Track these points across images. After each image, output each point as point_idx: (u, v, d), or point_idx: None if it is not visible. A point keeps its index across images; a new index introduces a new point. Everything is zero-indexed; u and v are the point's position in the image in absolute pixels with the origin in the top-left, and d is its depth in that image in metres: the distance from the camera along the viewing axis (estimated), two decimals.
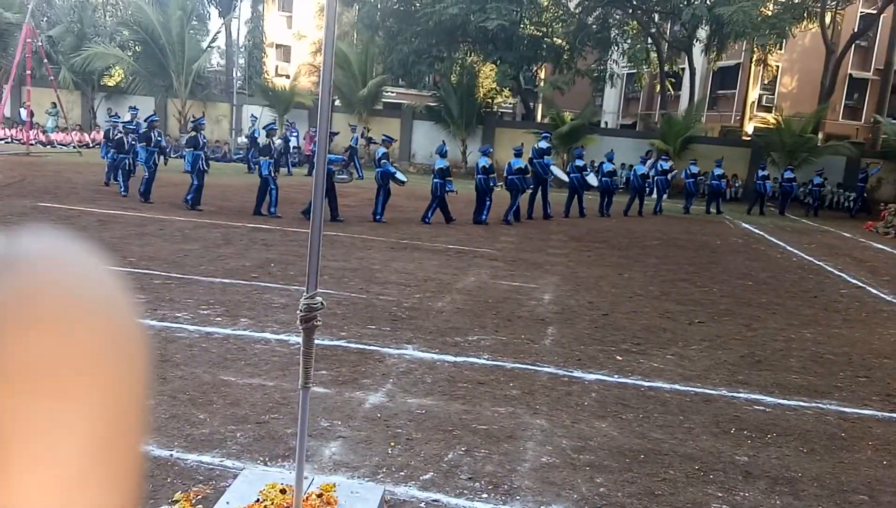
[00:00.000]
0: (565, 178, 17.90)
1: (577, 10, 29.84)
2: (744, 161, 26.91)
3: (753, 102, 35.04)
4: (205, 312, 6.23)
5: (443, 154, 13.85)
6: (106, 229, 10.03)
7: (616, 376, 5.38)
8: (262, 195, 12.77)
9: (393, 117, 30.01)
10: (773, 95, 35.42)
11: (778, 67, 34.95)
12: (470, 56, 31.38)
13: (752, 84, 34.62)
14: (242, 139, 25.03)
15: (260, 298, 6.87)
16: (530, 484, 3.57)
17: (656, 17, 31.07)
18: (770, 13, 26.21)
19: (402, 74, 32.38)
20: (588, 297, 8.12)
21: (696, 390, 5.21)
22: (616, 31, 31.12)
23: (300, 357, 2.99)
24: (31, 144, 23.05)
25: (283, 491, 3.10)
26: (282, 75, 38.82)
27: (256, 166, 14.16)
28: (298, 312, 2.91)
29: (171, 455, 3.57)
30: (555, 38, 31.21)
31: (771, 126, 27.80)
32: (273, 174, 12.84)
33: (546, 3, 30.85)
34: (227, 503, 3.06)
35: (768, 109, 33.45)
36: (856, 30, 29.78)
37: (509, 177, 14.65)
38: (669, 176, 19.97)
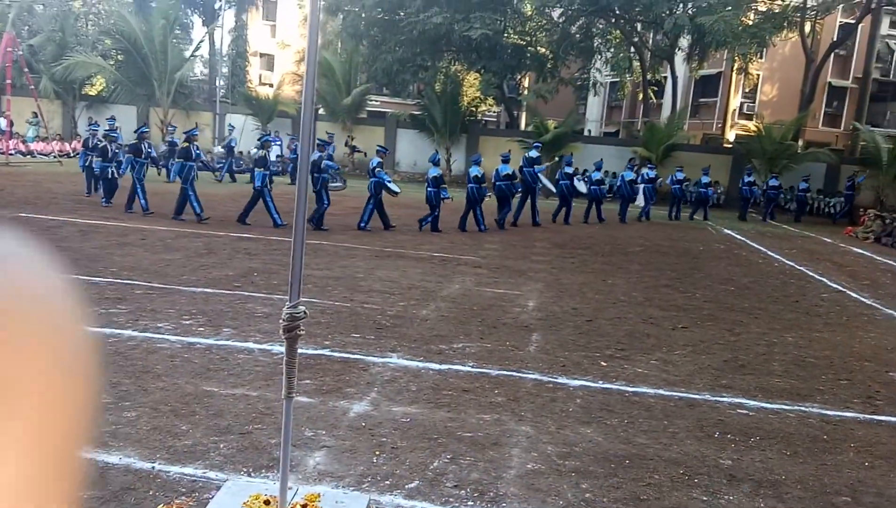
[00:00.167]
0: (552, 187, 18.07)
1: (561, 20, 30.07)
2: (725, 168, 27.19)
3: (735, 110, 35.43)
4: (187, 322, 6.18)
5: (436, 162, 14.01)
6: (87, 240, 9.93)
7: (600, 381, 5.39)
8: (252, 205, 12.68)
9: (377, 126, 30.02)
10: (754, 102, 35.86)
11: (759, 75, 35.40)
12: (454, 65, 31.50)
13: (733, 92, 34.99)
14: (219, 149, 24.90)
15: (243, 307, 6.83)
16: (516, 491, 3.57)
17: (639, 26, 31.38)
18: (751, 23, 26.58)
19: (386, 83, 32.44)
20: (572, 303, 8.14)
21: (679, 394, 5.23)
22: (599, 41, 31.39)
23: (283, 367, 2.98)
24: (11, 155, 22.81)
25: (266, 502, 3.08)
26: (265, 84, 38.72)
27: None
28: (281, 321, 2.90)
29: (153, 468, 3.53)
30: (538, 47, 31.43)
31: (752, 134, 28.11)
32: (269, 186, 12.72)
33: (530, 13, 31.07)
34: None
35: (749, 117, 33.83)
36: (835, 39, 30.24)
37: (497, 183, 14.79)
38: (657, 183, 20.19)
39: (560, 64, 30.85)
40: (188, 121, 27.66)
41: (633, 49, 31.64)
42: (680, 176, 20.70)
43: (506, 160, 14.96)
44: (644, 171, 20.53)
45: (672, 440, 4.35)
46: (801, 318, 8.34)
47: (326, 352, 5.61)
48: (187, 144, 12.98)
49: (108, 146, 13.91)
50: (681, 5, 26.68)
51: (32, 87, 23.57)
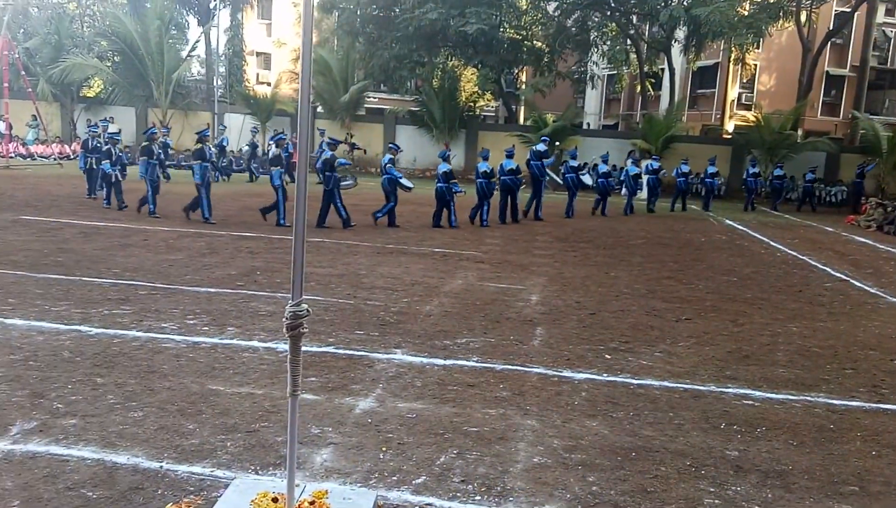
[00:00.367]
0: (559, 180, 18.37)
1: (556, 13, 30.03)
2: (725, 159, 27.19)
3: (733, 101, 35.42)
4: (191, 322, 6.18)
5: (445, 158, 14.20)
6: (89, 241, 9.92)
7: (605, 374, 5.40)
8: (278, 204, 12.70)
9: (375, 123, 30.01)
10: (752, 93, 35.82)
11: (756, 65, 35.36)
12: (451, 60, 31.46)
13: (731, 83, 34.98)
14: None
15: (247, 306, 6.83)
16: (523, 485, 3.57)
17: (634, 18, 31.34)
18: (746, 13, 26.51)
19: (383, 80, 32.41)
20: (575, 297, 8.14)
21: (684, 386, 5.23)
22: (595, 34, 31.35)
23: (287, 365, 2.98)
24: (11, 158, 22.80)
25: (274, 500, 3.08)
26: (263, 83, 38.70)
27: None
28: (284, 319, 2.90)
29: (161, 467, 3.53)
30: (535, 42, 31.37)
31: (751, 124, 28.11)
32: (284, 184, 12.68)
33: (525, 7, 31.02)
34: None
35: (748, 107, 33.82)
36: (831, 28, 30.18)
37: (502, 178, 14.94)
38: (660, 175, 20.26)
39: (557, 57, 30.82)
40: (186, 121, 27.69)
41: (629, 41, 31.60)
42: (685, 168, 20.78)
43: (510, 155, 15.15)
44: (648, 162, 20.61)
45: (678, 432, 4.36)
46: (805, 308, 8.34)
47: (331, 349, 5.61)
48: (200, 144, 12.89)
49: (113, 149, 13.82)
50: None
51: (30, 90, 23.56)
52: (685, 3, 26.44)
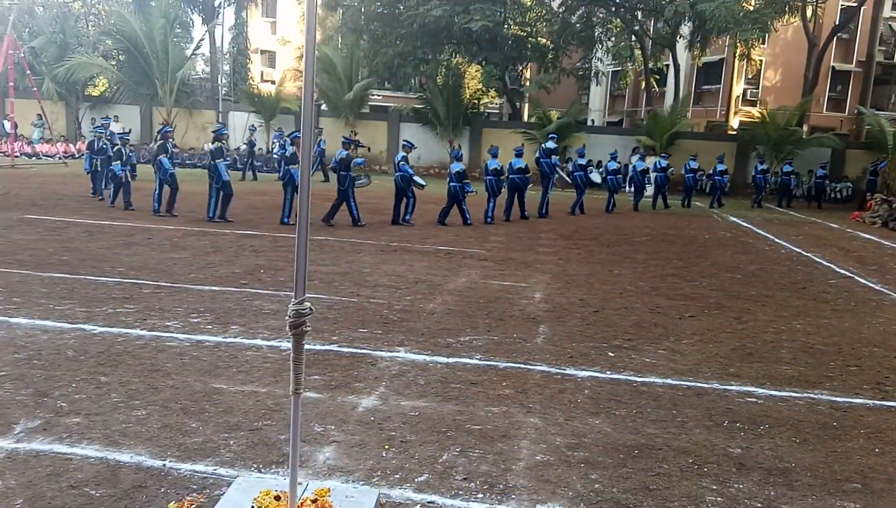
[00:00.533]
0: (568, 179, 18.53)
1: (561, 10, 29.94)
2: (730, 155, 27.10)
3: (738, 97, 35.25)
4: (195, 320, 6.20)
5: (458, 158, 14.30)
6: (94, 240, 9.96)
7: (608, 372, 5.39)
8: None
9: (380, 120, 30.00)
10: (758, 88, 35.65)
11: (761, 61, 35.18)
12: (455, 57, 31.42)
13: (736, 79, 34.81)
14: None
15: (250, 304, 6.84)
16: (525, 483, 3.57)
17: (639, 14, 31.22)
18: (752, 8, 26.39)
19: (387, 77, 32.39)
20: (579, 294, 8.14)
21: (688, 384, 5.23)
22: (600, 30, 31.24)
23: (290, 363, 2.98)
24: (17, 157, 22.88)
25: (277, 498, 3.09)
26: (267, 81, 38.71)
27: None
28: (288, 318, 2.90)
29: (164, 465, 3.55)
30: (539, 38, 31.31)
31: (756, 120, 28.01)
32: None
33: (529, 3, 30.94)
34: None
35: (753, 103, 33.68)
36: (837, 22, 30.01)
37: (511, 176, 15.03)
38: (668, 172, 20.27)
39: (561, 54, 30.74)
40: (191, 120, 27.73)
41: (633, 38, 31.47)
42: (693, 165, 20.81)
43: (519, 154, 15.22)
44: (656, 159, 20.63)
45: (681, 430, 4.35)
46: (809, 305, 8.31)
47: (334, 347, 5.62)
48: (218, 142, 12.87)
49: (123, 149, 13.76)
50: None
51: (35, 89, 23.62)
52: None
